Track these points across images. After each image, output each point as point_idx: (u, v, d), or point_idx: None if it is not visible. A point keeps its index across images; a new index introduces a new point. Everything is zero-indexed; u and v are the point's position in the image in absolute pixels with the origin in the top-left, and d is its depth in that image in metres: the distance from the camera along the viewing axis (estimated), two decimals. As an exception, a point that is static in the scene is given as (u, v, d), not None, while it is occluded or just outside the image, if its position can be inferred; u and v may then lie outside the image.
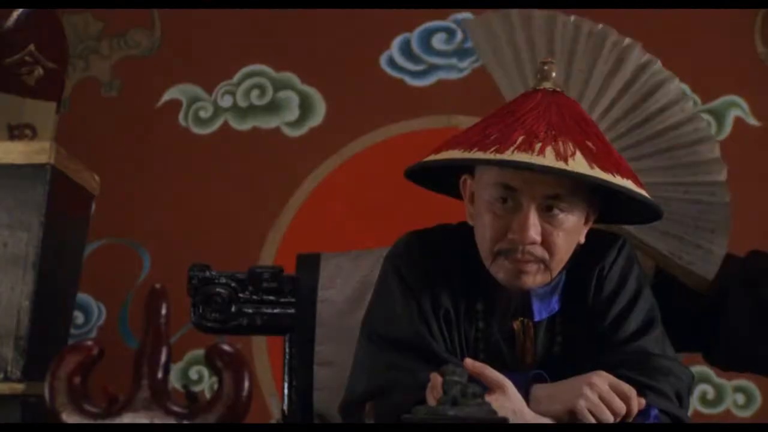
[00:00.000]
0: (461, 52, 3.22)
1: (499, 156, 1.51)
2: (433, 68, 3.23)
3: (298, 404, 1.99)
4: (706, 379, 3.04)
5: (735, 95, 3.16)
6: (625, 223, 1.79)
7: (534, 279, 1.58)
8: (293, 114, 3.26)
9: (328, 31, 3.27)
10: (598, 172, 1.50)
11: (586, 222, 1.62)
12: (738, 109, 3.15)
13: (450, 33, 3.25)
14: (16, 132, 2.43)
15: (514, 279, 1.57)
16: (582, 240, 1.63)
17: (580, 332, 1.64)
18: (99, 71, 3.33)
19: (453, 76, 3.21)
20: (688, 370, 1.63)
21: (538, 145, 1.50)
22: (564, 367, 1.59)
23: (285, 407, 2.00)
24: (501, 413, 1.36)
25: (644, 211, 1.64)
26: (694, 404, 3.03)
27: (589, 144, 1.53)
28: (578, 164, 1.50)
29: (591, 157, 1.52)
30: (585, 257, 1.66)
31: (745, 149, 3.11)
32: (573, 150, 1.51)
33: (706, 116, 3.16)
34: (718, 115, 3.15)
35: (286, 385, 2.01)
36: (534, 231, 1.53)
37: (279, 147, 3.24)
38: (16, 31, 2.40)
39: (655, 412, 1.53)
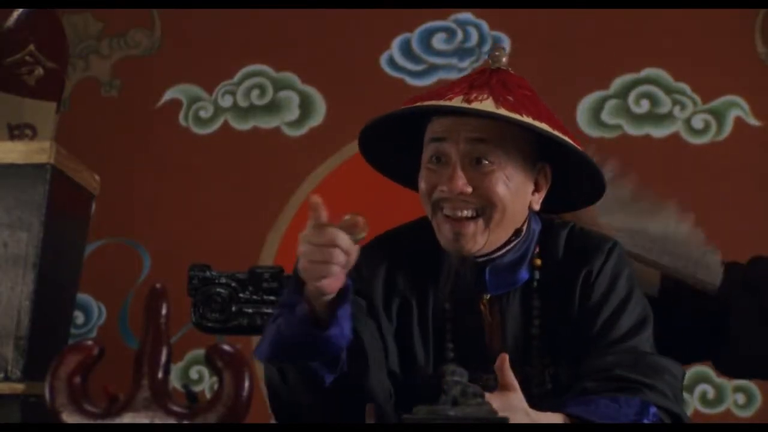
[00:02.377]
0: (461, 52, 3.22)
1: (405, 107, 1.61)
2: (433, 68, 3.23)
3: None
4: (706, 379, 3.04)
5: (735, 95, 3.16)
6: (583, 205, 1.80)
7: (474, 241, 1.58)
8: (293, 114, 3.26)
9: (327, 31, 3.27)
10: (501, 111, 1.55)
11: (537, 189, 1.64)
12: (738, 109, 3.15)
13: (450, 33, 3.25)
14: (16, 132, 2.43)
15: (454, 242, 1.59)
16: (535, 207, 1.64)
17: (560, 327, 1.63)
18: (99, 71, 3.33)
19: (453, 76, 3.20)
20: (680, 366, 1.63)
21: (449, 95, 1.58)
22: (542, 357, 1.60)
23: (285, 407, 1.99)
24: (510, 412, 1.37)
25: (596, 185, 1.66)
26: (694, 404, 3.03)
27: (509, 97, 1.57)
28: (483, 106, 1.55)
29: (503, 103, 1.56)
30: (570, 255, 1.66)
31: (745, 149, 3.12)
32: (485, 97, 1.56)
33: (706, 116, 3.16)
34: (718, 115, 3.15)
35: (286, 385, 2.01)
36: (460, 182, 1.56)
37: (279, 147, 3.24)
38: (17, 31, 2.40)
39: (653, 410, 1.53)
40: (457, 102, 1.57)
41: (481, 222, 1.58)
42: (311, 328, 1.45)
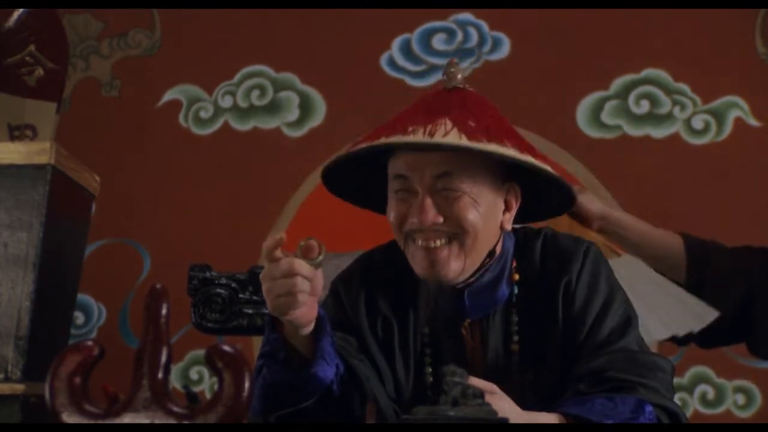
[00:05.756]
0: (461, 53, 3.22)
1: (365, 144, 1.56)
2: (433, 68, 3.23)
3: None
4: (706, 379, 3.04)
5: (735, 95, 3.16)
6: (553, 215, 1.79)
7: (449, 267, 1.56)
8: (293, 114, 3.26)
9: (328, 31, 3.27)
10: (464, 141, 1.51)
11: (507, 209, 1.62)
12: (738, 109, 3.15)
13: (450, 33, 3.25)
14: (17, 132, 2.43)
15: (429, 270, 1.56)
16: (507, 227, 1.62)
17: (542, 340, 1.61)
18: (99, 71, 3.33)
19: (453, 76, 3.21)
20: (669, 360, 1.63)
21: (410, 129, 1.54)
22: (522, 373, 1.59)
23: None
24: (502, 415, 1.36)
25: (565, 195, 1.64)
26: (694, 404, 3.03)
27: (470, 122, 1.54)
28: (447, 139, 1.52)
29: (465, 130, 1.52)
30: (548, 264, 1.64)
31: (745, 149, 3.12)
32: (448, 127, 1.52)
33: (706, 116, 3.16)
34: (718, 115, 3.16)
35: (286, 385, 2.01)
36: (431, 214, 1.54)
37: (279, 147, 3.24)
38: (17, 32, 2.40)
39: (649, 408, 1.53)
40: (419, 136, 1.53)
41: (455, 246, 1.56)
42: (295, 370, 1.46)
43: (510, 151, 1.54)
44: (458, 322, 1.63)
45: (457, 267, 1.56)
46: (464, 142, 1.52)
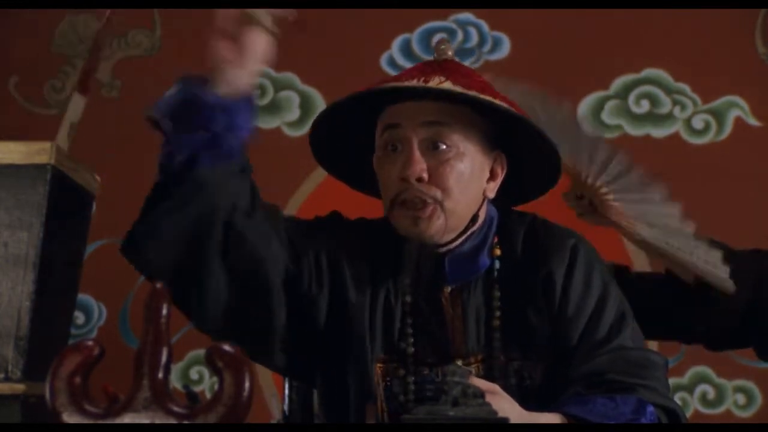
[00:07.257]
0: (461, 53, 3.22)
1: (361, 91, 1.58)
2: (433, 68, 3.23)
3: (298, 404, 1.99)
4: (706, 379, 3.04)
5: (735, 95, 3.16)
6: (536, 196, 1.78)
7: (431, 225, 1.56)
8: (294, 114, 3.26)
9: (328, 31, 3.27)
10: (458, 89, 1.54)
11: (492, 177, 1.63)
12: (738, 109, 3.16)
13: (450, 33, 3.25)
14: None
15: (412, 227, 1.57)
16: (490, 195, 1.63)
17: (524, 323, 1.61)
18: (99, 71, 3.33)
19: (453, 76, 3.21)
20: (663, 356, 1.63)
21: (405, 80, 1.57)
22: (506, 350, 1.60)
23: (285, 407, 2.00)
24: (503, 414, 1.36)
25: (549, 173, 1.65)
26: (694, 404, 3.03)
27: (465, 81, 1.57)
28: (443, 86, 1.55)
29: (460, 84, 1.56)
30: (529, 251, 1.64)
31: (745, 149, 3.12)
32: (442, 80, 1.55)
33: (706, 116, 3.16)
34: (718, 115, 3.16)
35: (286, 385, 2.01)
36: (418, 165, 1.55)
37: (279, 147, 3.24)
38: None
39: (650, 408, 1.53)
40: (414, 83, 1.56)
41: (437, 208, 1.56)
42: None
43: (504, 106, 1.57)
44: (438, 291, 1.63)
45: (440, 225, 1.56)
46: (459, 89, 1.54)
